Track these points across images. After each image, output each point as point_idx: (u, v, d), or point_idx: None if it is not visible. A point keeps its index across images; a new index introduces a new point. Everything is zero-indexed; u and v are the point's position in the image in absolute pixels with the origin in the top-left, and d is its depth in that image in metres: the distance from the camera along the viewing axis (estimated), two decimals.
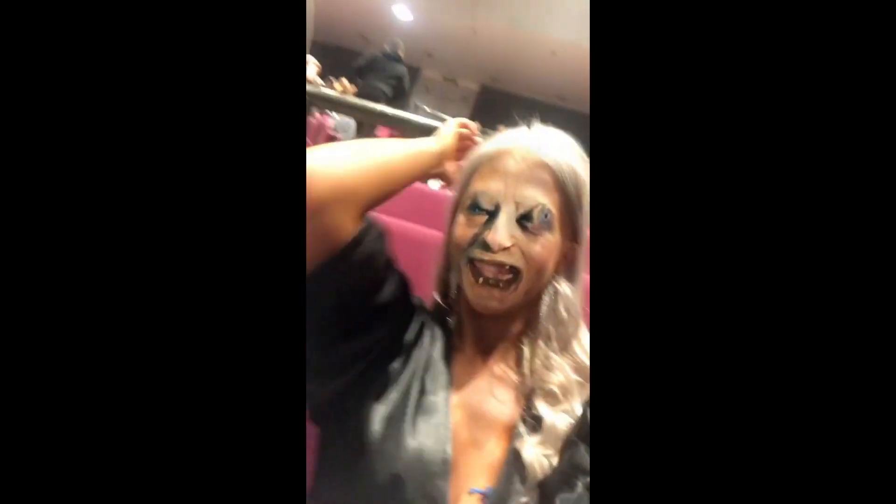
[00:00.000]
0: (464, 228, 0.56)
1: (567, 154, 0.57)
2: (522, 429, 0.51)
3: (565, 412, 0.52)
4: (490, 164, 0.57)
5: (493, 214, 0.54)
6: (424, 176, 0.63)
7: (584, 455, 0.44)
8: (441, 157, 0.66)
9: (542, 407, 0.52)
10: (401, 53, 4.58)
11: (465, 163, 0.61)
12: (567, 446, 0.47)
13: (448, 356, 0.57)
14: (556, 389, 0.53)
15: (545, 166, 0.55)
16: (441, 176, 0.69)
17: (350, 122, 5.35)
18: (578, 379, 0.55)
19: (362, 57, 4.56)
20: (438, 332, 0.60)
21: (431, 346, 0.58)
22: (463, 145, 0.71)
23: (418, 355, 0.56)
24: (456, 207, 0.61)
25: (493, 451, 0.51)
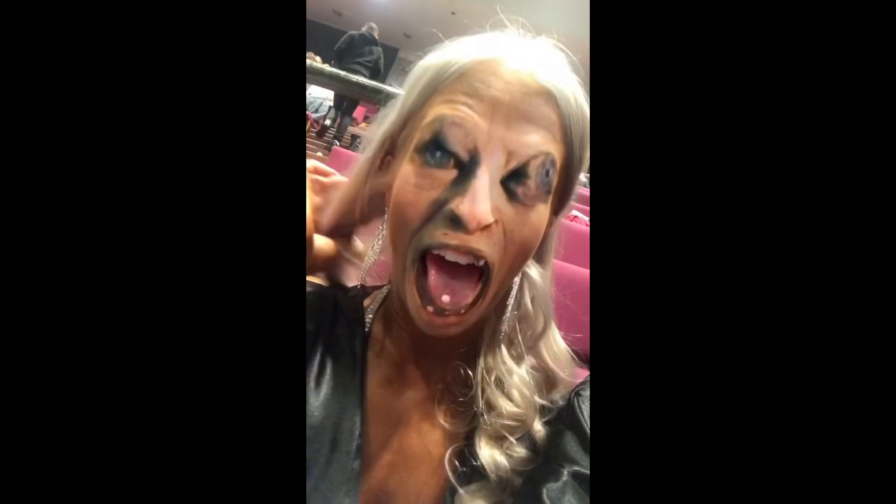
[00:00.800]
0: (414, 189, 0.34)
1: (574, 84, 0.37)
2: (455, 481, 0.37)
3: (516, 443, 0.39)
4: (463, 80, 0.34)
5: (466, 167, 0.34)
6: None
7: (570, 443, 0.38)
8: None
9: (483, 451, 0.38)
10: (375, 35, 4.72)
11: (418, 70, 0.38)
12: (554, 435, 0.41)
13: (362, 375, 0.41)
14: (505, 427, 0.39)
15: (548, 96, 0.35)
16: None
17: (322, 101, 5.25)
18: (541, 402, 0.41)
19: (341, 40, 4.74)
20: (353, 344, 0.42)
21: (337, 365, 0.41)
22: (318, 195, 0.46)
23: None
24: (393, 142, 0.39)
25: (414, 490, 0.38)
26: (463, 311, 0.36)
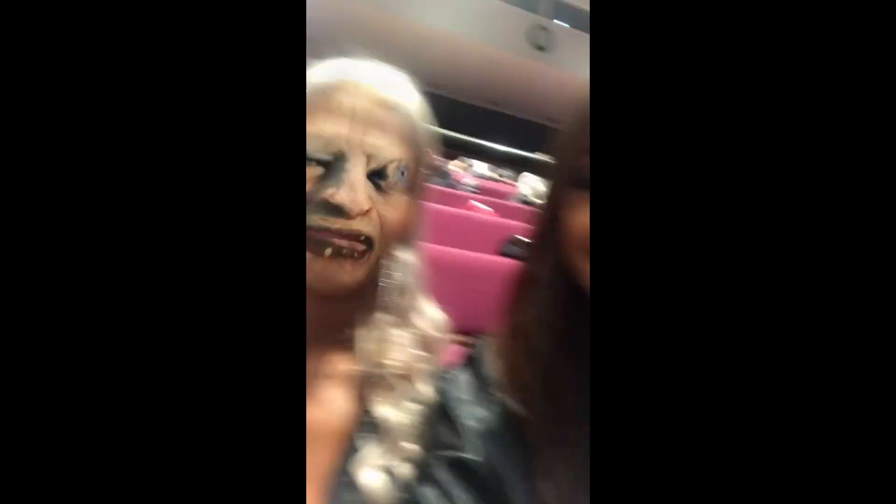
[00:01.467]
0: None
1: (411, 95, 0.46)
2: (359, 441, 0.43)
3: (409, 400, 0.45)
4: (325, 98, 0.43)
5: (332, 166, 0.41)
6: None
7: (442, 431, 0.42)
8: None
9: (381, 407, 0.44)
10: None
11: None
12: (428, 426, 0.44)
13: None
14: (394, 375, 0.46)
15: (391, 108, 0.44)
16: None
17: None
18: (421, 353, 0.48)
19: None
20: None
21: None
22: None
23: None
24: None
25: (319, 465, 0.43)
26: (357, 255, 0.42)
